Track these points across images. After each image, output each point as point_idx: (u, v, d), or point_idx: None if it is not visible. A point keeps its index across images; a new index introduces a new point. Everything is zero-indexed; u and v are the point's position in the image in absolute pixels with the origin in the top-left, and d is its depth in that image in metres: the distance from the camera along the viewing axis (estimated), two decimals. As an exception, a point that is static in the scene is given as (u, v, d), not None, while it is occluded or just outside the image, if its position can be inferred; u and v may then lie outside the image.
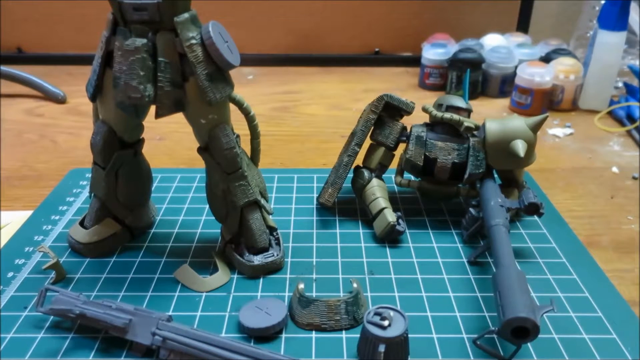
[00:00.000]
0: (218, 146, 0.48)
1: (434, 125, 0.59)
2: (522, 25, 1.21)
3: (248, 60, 1.14)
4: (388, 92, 0.59)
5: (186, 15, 0.43)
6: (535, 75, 0.91)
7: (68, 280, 0.51)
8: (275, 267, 0.52)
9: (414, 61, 1.13)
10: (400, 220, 0.57)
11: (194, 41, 0.43)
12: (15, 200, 0.66)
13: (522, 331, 0.40)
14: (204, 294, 0.49)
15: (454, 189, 0.61)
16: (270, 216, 0.56)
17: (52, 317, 0.46)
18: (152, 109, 0.46)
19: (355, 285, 0.48)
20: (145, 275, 0.52)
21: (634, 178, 0.73)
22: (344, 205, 0.64)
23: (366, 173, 0.60)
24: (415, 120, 0.62)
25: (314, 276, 0.52)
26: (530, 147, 0.56)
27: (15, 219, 0.61)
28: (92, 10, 1.14)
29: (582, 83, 0.94)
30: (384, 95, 0.59)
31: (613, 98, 0.96)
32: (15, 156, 0.77)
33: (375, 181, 0.60)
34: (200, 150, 0.50)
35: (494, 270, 0.45)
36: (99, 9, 1.10)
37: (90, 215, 0.54)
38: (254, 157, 0.53)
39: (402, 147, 0.61)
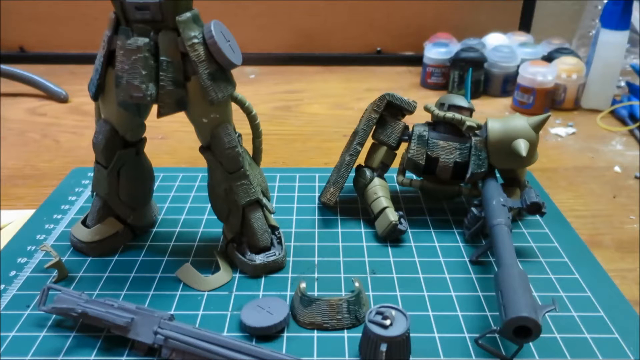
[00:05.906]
0: (220, 145, 0.48)
1: (436, 124, 0.59)
2: (525, 25, 1.20)
3: (250, 60, 1.14)
4: (390, 92, 0.59)
5: (188, 14, 0.43)
6: (538, 74, 0.91)
7: (70, 279, 0.51)
8: (277, 266, 0.52)
9: (416, 60, 1.13)
10: (402, 220, 0.57)
11: (196, 40, 0.43)
12: (17, 199, 0.66)
13: (524, 331, 0.39)
14: (206, 293, 0.49)
15: (456, 188, 0.60)
16: (272, 215, 0.56)
17: (54, 315, 0.46)
18: (154, 108, 0.47)
19: (357, 284, 0.48)
20: (147, 274, 0.52)
21: (637, 177, 0.72)
22: (346, 205, 0.64)
23: (368, 172, 0.60)
24: (417, 120, 0.61)
25: (316, 275, 0.52)
26: (533, 146, 0.56)
27: (17, 218, 0.61)
28: (94, 10, 1.14)
29: (585, 82, 0.94)
30: (386, 95, 0.59)
31: (615, 97, 0.96)
32: (17, 155, 0.78)
33: (377, 180, 0.60)
34: (202, 149, 0.50)
35: (496, 269, 0.45)
36: (101, 8, 1.10)
37: (93, 214, 0.55)
38: (256, 156, 0.53)
39: (404, 146, 0.61)
